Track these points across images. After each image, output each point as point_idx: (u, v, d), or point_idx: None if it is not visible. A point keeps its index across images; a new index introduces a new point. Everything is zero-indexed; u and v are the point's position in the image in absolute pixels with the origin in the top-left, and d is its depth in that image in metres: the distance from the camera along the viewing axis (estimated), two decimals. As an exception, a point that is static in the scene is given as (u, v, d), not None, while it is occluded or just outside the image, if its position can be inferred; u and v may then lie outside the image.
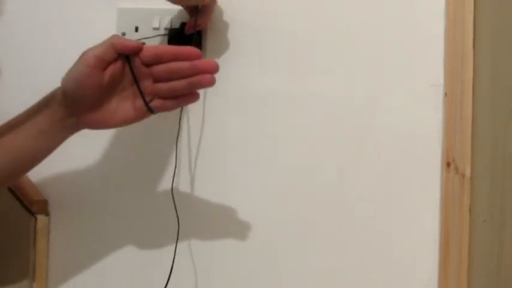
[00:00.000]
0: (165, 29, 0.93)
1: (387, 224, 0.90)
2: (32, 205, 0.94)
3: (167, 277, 0.88)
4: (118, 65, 0.71)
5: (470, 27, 0.87)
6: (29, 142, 0.73)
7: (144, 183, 0.94)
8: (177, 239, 0.88)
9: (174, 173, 0.91)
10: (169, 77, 0.70)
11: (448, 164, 0.87)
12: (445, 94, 0.88)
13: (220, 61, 0.94)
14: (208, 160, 0.93)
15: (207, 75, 0.69)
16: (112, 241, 0.96)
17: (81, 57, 0.71)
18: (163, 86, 0.71)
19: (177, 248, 0.90)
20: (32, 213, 0.94)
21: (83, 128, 0.74)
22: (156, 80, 0.71)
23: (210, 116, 0.94)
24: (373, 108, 0.90)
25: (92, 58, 0.69)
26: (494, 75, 0.90)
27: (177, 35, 0.91)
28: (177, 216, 0.88)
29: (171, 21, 0.93)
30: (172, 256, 0.90)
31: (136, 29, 0.95)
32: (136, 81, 0.71)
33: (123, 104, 0.72)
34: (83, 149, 0.96)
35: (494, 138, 0.91)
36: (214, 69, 0.69)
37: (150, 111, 0.72)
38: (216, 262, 0.93)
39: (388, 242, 0.90)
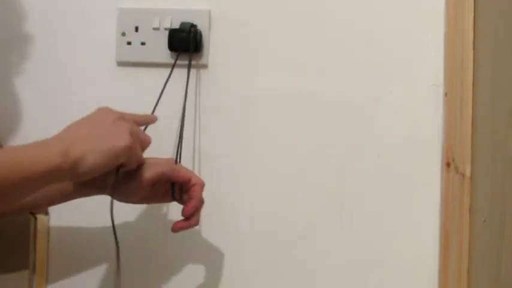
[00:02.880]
0: (165, 29, 0.93)
1: (387, 224, 0.90)
2: (32, 205, 0.94)
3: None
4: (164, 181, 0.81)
5: (470, 27, 0.87)
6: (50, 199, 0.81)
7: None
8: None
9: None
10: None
11: (448, 164, 0.87)
12: (445, 94, 0.88)
13: (220, 61, 0.94)
14: (208, 159, 0.93)
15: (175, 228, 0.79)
16: (112, 241, 0.96)
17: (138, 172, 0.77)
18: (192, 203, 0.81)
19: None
20: (32, 213, 0.94)
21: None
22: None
23: (208, 116, 0.94)
24: (373, 108, 0.90)
25: (148, 182, 0.78)
26: (494, 75, 0.90)
27: (177, 35, 0.91)
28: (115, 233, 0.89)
29: (171, 21, 0.93)
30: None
31: (137, 29, 0.95)
32: (173, 195, 0.82)
33: (153, 195, 0.81)
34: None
35: (494, 138, 0.91)
36: (177, 229, 0.79)
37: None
38: (215, 260, 0.94)
39: (388, 241, 0.90)
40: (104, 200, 0.95)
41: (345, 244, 0.91)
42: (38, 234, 0.94)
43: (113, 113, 0.73)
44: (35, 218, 0.94)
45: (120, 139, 0.70)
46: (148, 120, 0.82)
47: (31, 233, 0.94)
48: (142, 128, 0.82)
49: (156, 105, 0.87)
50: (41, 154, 0.65)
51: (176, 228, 0.79)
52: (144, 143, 0.77)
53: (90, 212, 0.95)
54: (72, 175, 0.67)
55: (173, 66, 0.90)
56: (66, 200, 0.82)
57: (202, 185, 0.80)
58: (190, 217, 0.79)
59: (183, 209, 0.79)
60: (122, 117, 0.73)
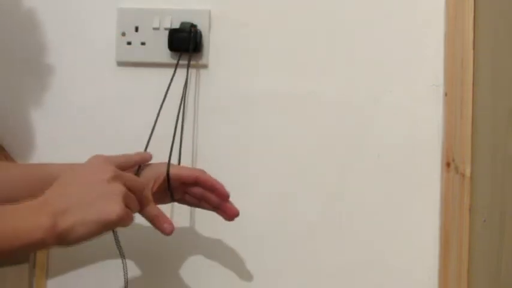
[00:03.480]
0: (165, 29, 0.93)
1: (387, 224, 0.90)
2: (32, 205, 0.94)
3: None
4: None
5: (470, 27, 0.87)
6: None
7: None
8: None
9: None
10: (201, 198, 0.82)
11: (448, 164, 0.87)
12: (445, 94, 0.88)
13: (220, 61, 0.94)
14: (208, 159, 0.93)
15: (231, 217, 0.82)
16: (112, 241, 0.96)
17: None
18: (192, 201, 0.83)
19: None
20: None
21: None
22: (188, 193, 0.82)
23: (208, 116, 0.94)
24: (373, 108, 0.90)
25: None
26: (494, 75, 0.90)
27: (177, 35, 0.91)
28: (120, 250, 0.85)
29: (171, 21, 0.93)
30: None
31: (137, 29, 0.95)
32: (172, 195, 0.81)
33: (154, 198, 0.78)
34: (83, 150, 0.96)
35: (494, 138, 0.91)
36: (235, 216, 0.81)
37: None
38: (214, 260, 0.94)
39: (388, 241, 0.90)
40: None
41: (345, 244, 0.91)
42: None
43: (107, 170, 0.67)
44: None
45: (112, 209, 0.63)
46: (143, 160, 0.81)
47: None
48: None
49: (161, 108, 0.87)
50: (26, 226, 0.60)
51: (232, 215, 0.81)
52: (139, 194, 0.70)
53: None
54: (59, 245, 0.63)
55: (176, 66, 0.90)
56: None
57: (204, 173, 0.82)
58: (228, 200, 0.81)
59: (219, 194, 0.80)
60: (116, 175, 0.67)
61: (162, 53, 0.93)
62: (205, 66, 0.94)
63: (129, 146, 0.95)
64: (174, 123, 0.89)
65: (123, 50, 0.95)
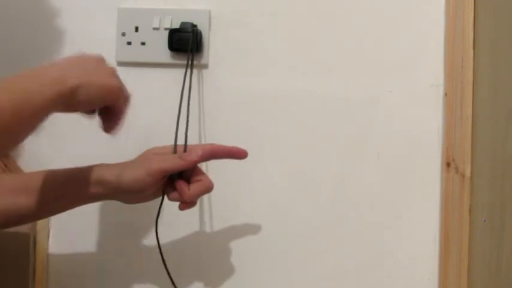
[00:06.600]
0: (165, 29, 0.93)
1: (387, 224, 0.90)
2: (32, 205, 0.94)
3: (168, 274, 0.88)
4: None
5: (470, 27, 0.87)
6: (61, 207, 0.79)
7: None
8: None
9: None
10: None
11: (448, 164, 0.87)
12: (445, 94, 0.88)
13: (220, 61, 0.94)
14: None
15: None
16: (112, 241, 0.96)
17: (148, 164, 0.76)
18: None
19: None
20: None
21: None
22: None
23: (209, 116, 0.94)
24: (373, 108, 0.90)
25: (159, 173, 0.76)
26: (494, 75, 0.90)
27: (177, 35, 0.91)
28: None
29: (171, 21, 0.93)
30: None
31: (137, 29, 0.95)
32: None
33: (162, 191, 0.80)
34: (83, 150, 0.96)
35: (494, 138, 0.90)
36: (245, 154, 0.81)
37: None
38: (217, 261, 0.94)
39: (388, 241, 0.90)
40: (103, 208, 0.95)
41: (345, 244, 0.91)
42: (38, 234, 0.94)
43: (95, 55, 0.71)
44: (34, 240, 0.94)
45: (112, 79, 0.69)
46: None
47: (31, 233, 0.94)
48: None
49: (180, 110, 0.86)
50: (39, 82, 0.63)
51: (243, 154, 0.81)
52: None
53: (90, 213, 0.95)
54: (67, 106, 0.66)
55: (187, 66, 0.89)
56: (88, 202, 0.80)
57: (212, 144, 0.83)
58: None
59: (238, 154, 0.81)
60: (104, 59, 0.72)
61: (162, 53, 0.93)
62: (205, 66, 0.94)
63: (129, 146, 0.95)
64: (175, 123, 0.89)
65: (123, 50, 0.95)
